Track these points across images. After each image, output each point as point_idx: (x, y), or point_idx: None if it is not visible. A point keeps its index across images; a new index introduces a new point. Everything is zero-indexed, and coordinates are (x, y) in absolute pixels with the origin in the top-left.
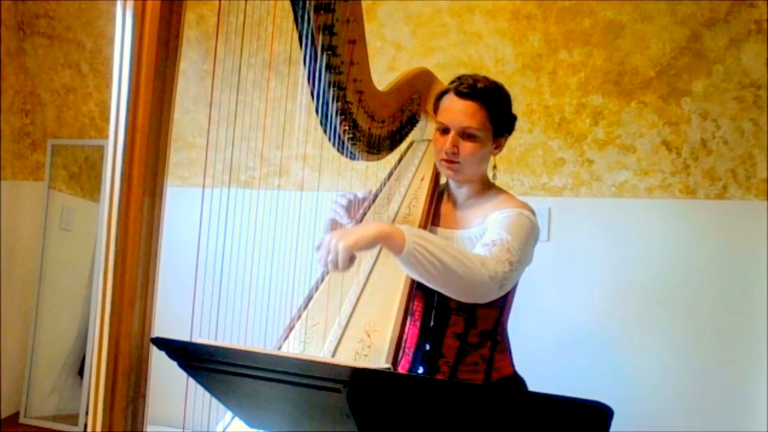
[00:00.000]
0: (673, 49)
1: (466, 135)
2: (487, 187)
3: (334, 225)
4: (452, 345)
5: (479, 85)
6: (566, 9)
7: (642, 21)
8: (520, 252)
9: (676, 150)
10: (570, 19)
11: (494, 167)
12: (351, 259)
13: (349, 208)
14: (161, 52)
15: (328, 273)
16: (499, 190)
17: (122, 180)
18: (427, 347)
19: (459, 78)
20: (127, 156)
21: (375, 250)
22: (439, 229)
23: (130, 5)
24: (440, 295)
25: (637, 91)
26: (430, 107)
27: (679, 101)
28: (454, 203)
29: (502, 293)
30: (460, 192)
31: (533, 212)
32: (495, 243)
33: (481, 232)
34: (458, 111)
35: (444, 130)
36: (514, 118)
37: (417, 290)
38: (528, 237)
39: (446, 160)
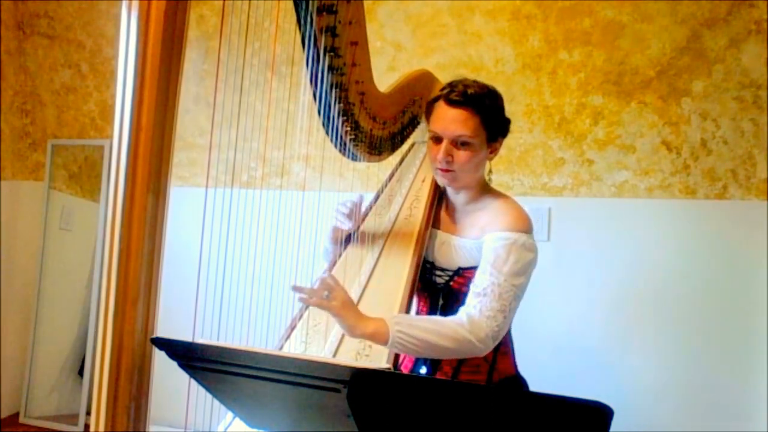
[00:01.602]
0: (673, 49)
1: (459, 143)
2: (484, 192)
3: (337, 232)
4: None
5: (470, 91)
6: (566, 9)
7: (642, 21)
8: (514, 290)
9: (676, 150)
10: (570, 19)
11: (489, 172)
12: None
13: (351, 215)
14: (166, 51)
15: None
16: (497, 195)
17: (126, 178)
18: None
19: (450, 84)
20: (131, 155)
21: (376, 251)
22: (439, 233)
23: (135, 5)
24: (445, 296)
25: (637, 91)
26: (425, 113)
27: (679, 101)
28: (453, 208)
29: (496, 343)
30: (458, 198)
31: (530, 227)
32: (486, 291)
33: (478, 246)
34: (450, 119)
35: (437, 139)
36: (507, 122)
37: (422, 291)
38: (524, 269)
39: (442, 169)
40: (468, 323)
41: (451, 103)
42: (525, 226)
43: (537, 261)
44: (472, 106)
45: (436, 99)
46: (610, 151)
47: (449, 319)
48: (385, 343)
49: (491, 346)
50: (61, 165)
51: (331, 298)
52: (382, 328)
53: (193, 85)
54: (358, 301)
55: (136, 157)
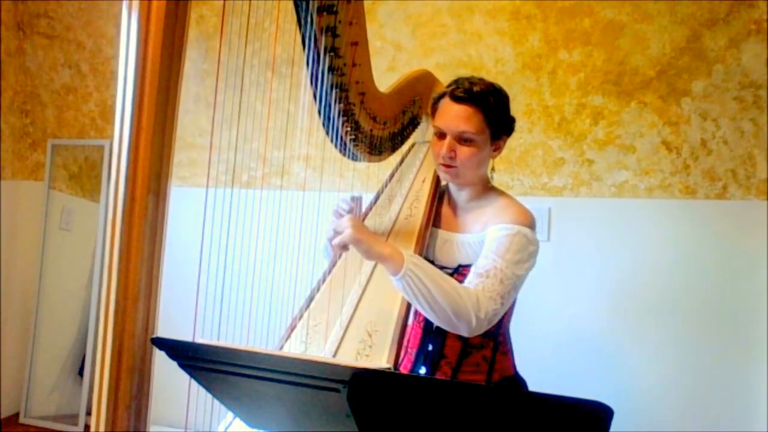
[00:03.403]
0: (673, 49)
1: (462, 139)
2: (487, 190)
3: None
4: (454, 345)
5: (475, 88)
6: (566, 9)
7: (642, 21)
8: (514, 279)
9: (676, 150)
10: (570, 19)
11: (492, 169)
12: (344, 247)
13: (352, 212)
14: (166, 52)
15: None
16: (500, 193)
17: (126, 179)
18: (430, 347)
19: (456, 81)
20: (132, 155)
21: None
22: (440, 231)
23: (135, 5)
24: None
25: (637, 91)
26: (431, 109)
27: (679, 101)
28: (455, 206)
29: (488, 327)
30: (461, 195)
31: (533, 222)
32: (489, 274)
33: (481, 240)
34: (454, 115)
35: (441, 135)
36: (512, 120)
37: None
38: (525, 259)
39: (444, 165)
40: (475, 297)
41: (456, 99)
42: (528, 222)
43: (537, 257)
44: (476, 103)
45: (442, 95)
46: (610, 151)
47: (461, 286)
48: (396, 271)
49: (483, 328)
50: (61, 165)
51: (345, 226)
52: (398, 255)
53: (194, 86)
54: (359, 299)
55: (136, 158)
